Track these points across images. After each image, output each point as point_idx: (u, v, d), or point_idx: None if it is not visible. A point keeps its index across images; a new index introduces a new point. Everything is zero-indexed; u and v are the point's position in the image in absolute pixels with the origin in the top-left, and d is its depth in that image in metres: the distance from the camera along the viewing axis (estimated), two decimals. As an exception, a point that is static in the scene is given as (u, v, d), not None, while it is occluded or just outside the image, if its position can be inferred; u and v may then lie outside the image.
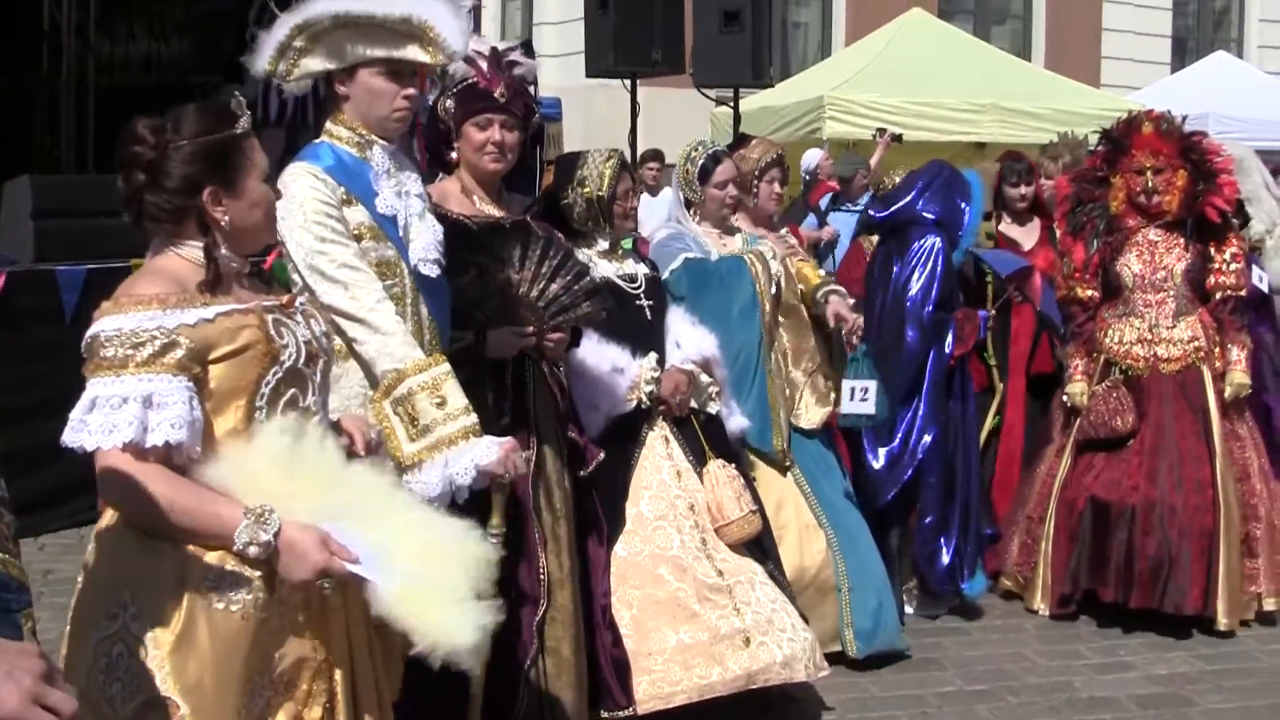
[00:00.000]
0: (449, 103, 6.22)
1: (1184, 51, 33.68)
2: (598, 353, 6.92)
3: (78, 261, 9.88)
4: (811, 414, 8.24)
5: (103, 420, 3.75)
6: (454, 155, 6.31)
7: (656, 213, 13.26)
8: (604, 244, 7.21)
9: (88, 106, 17.59)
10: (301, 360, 4.12)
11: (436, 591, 3.88)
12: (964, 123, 19.85)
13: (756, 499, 7.37)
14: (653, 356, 7.11)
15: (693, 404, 7.29)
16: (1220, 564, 8.70)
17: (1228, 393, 8.89)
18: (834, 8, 29.47)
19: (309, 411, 4.14)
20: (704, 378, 7.32)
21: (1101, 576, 8.81)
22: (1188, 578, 8.61)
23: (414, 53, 5.43)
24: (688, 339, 7.34)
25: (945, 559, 8.83)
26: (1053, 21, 31.99)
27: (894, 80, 20.11)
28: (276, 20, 5.39)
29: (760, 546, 7.26)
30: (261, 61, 5.36)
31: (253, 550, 3.78)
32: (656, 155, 18.59)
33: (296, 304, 4.28)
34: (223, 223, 4.09)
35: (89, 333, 3.88)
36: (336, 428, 4.38)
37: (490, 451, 5.04)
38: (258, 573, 3.86)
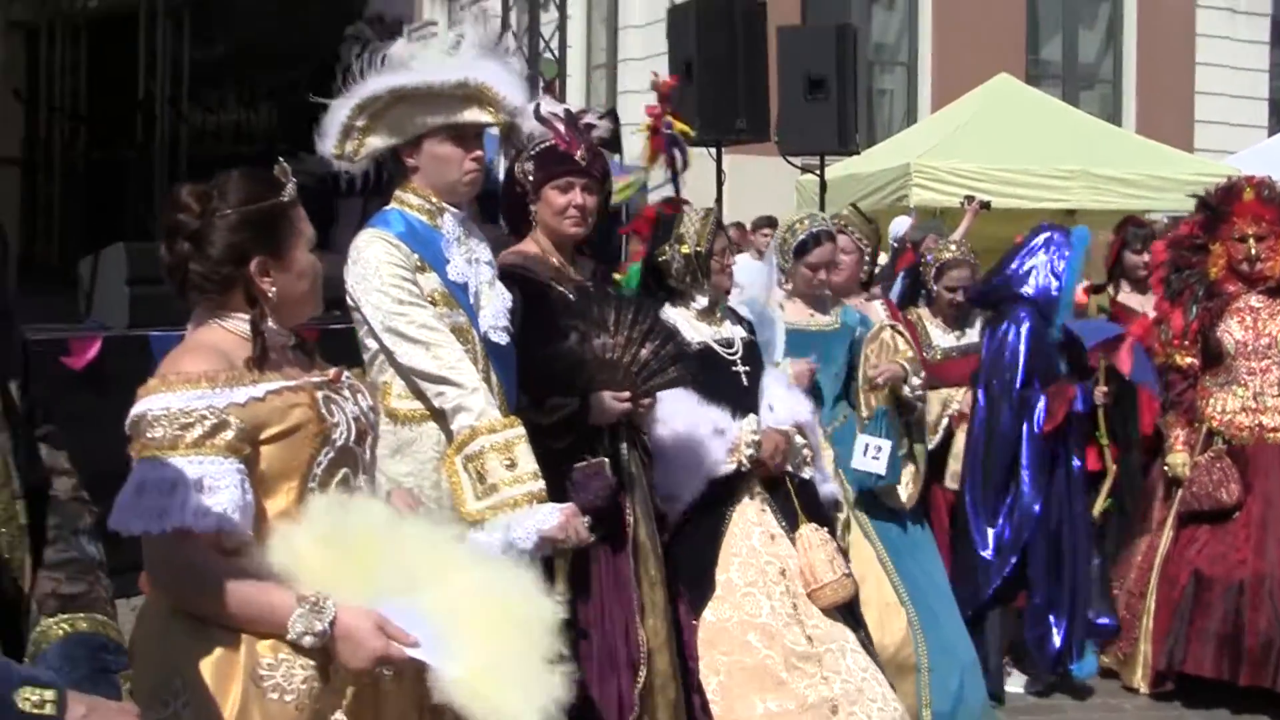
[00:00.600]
0: (527, 165, 6.20)
1: (1281, 114, 33.44)
2: (696, 414, 6.89)
3: (171, 328, 9.94)
4: (905, 492, 8.25)
5: (152, 504, 3.64)
6: (531, 218, 6.27)
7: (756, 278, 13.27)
8: (702, 302, 7.20)
9: (180, 175, 17.77)
10: (352, 438, 4.03)
11: (500, 672, 3.75)
12: (1053, 189, 19.70)
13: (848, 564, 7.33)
14: (753, 418, 7.08)
15: (787, 467, 7.26)
16: None
17: None
18: (919, 74, 29.43)
19: (360, 491, 4.06)
20: (798, 439, 7.30)
21: (1206, 653, 8.64)
22: None
23: (475, 115, 5.46)
24: (782, 402, 7.32)
25: (1056, 642, 8.74)
26: (1144, 85, 31.79)
27: (981, 146, 20.01)
28: (333, 104, 5.40)
29: (853, 614, 7.21)
30: (328, 145, 5.38)
31: (308, 640, 3.68)
32: (770, 222, 18.59)
33: (344, 379, 4.19)
34: (270, 294, 4.00)
35: (135, 411, 3.79)
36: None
37: (552, 517, 5.06)
38: (312, 661, 3.75)
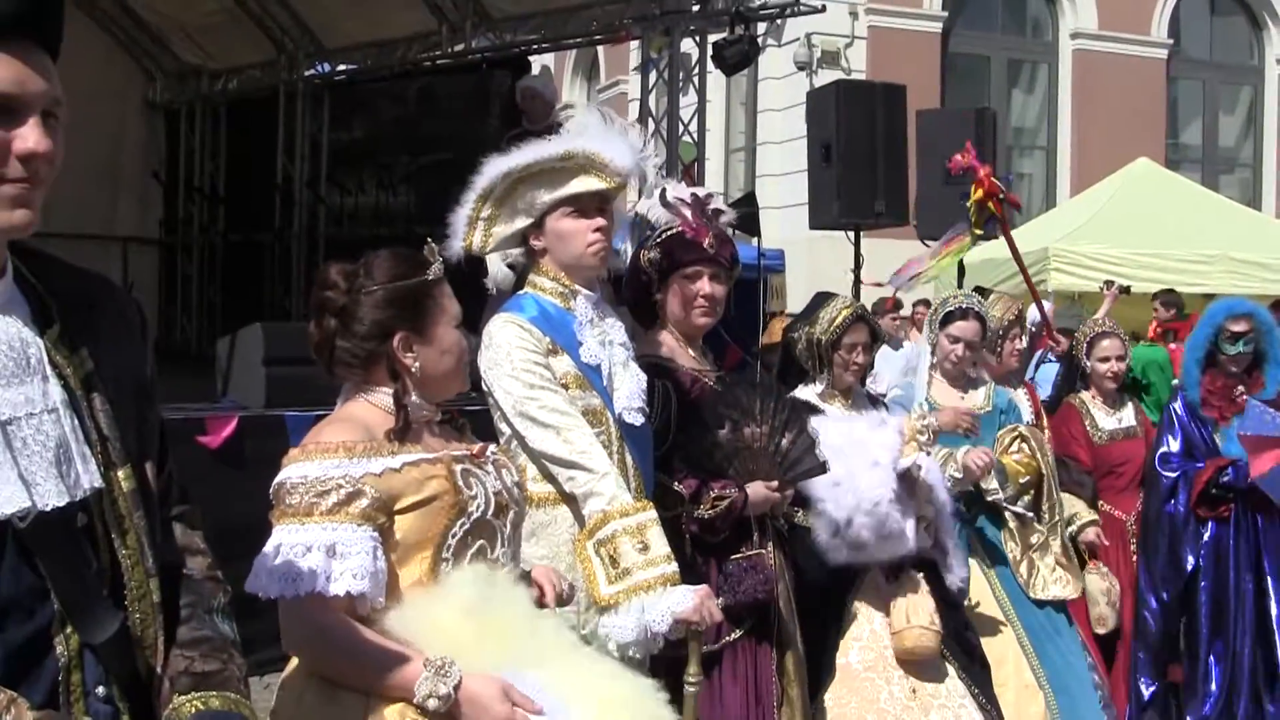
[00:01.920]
0: (653, 254, 6.10)
1: None
2: (848, 425, 6.82)
3: (307, 408, 10.08)
4: (1049, 589, 8.13)
5: (286, 568, 3.73)
6: (657, 307, 6.19)
7: (893, 365, 13.21)
8: (820, 387, 7.15)
9: (318, 257, 18.00)
10: (490, 512, 4.07)
11: None
12: (1193, 274, 19.56)
13: (973, 646, 7.27)
14: (918, 405, 7.14)
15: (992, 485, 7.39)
16: None
17: None
18: (1059, 158, 29.37)
19: (497, 563, 4.08)
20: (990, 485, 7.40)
21: None
22: None
23: (589, 183, 5.42)
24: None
25: None
26: (1285, 170, 31.60)
27: (1120, 231, 19.91)
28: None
29: (987, 697, 7.09)
30: (457, 241, 5.37)
31: (432, 703, 3.70)
32: (898, 305, 18.54)
33: (488, 454, 4.24)
34: (413, 369, 4.08)
35: (277, 479, 3.89)
36: (527, 579, 4.33)
37: (686, 599, 4.99)
38: None
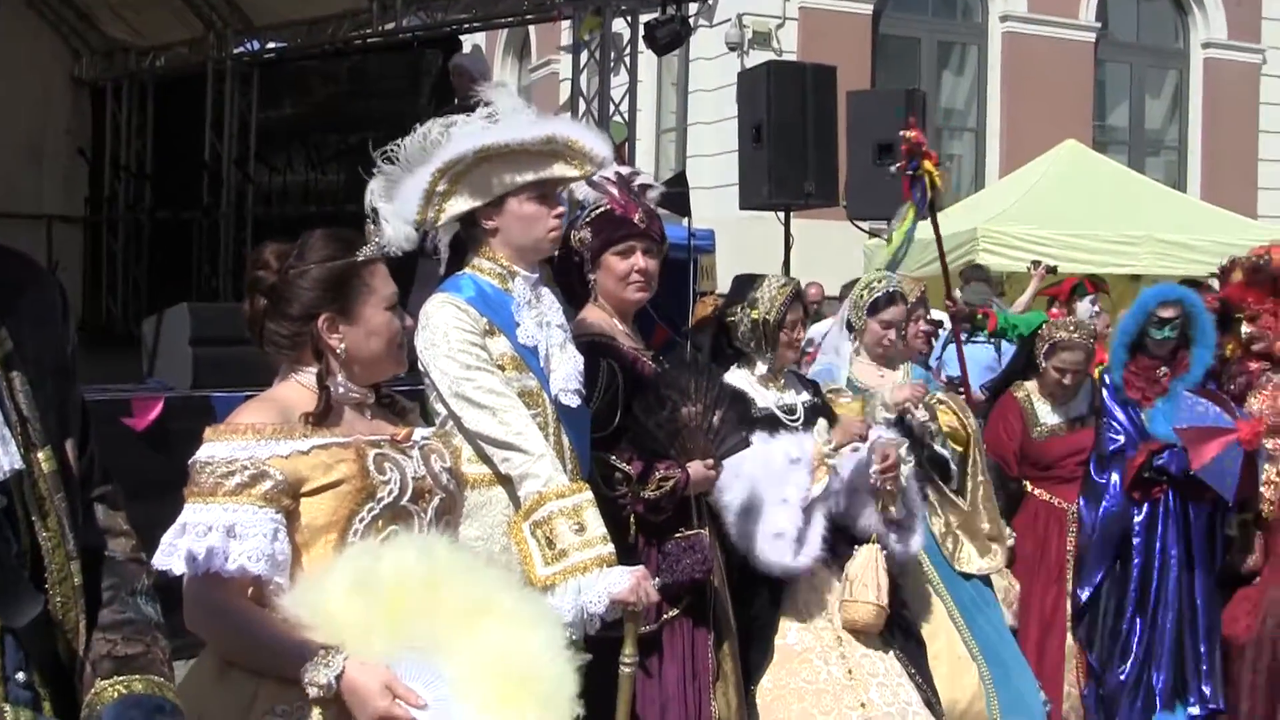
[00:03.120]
0: (584, 233, 6.09)
1: (1344, 181, 33.33)
2: (768, 451, 6.75)
3: (234, 389, 10.00)
4: (973, 561, 8.21)
5: (188, 546, 3.76)
6: (590, 286, 6.17)
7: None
8: (763, 368, 7.12)
9: (246, 236, 17.92)
10: (406, 497, 4.07)
11: None
12: (1119, 254, 19.65)
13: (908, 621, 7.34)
14: (822, 425, 7.05)
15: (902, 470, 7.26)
16: None
17: None
18: (988, 140, 29.47)
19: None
20: (902, 449, 7.31)
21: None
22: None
23: (561, 170, 5.44)
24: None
25: None
26: (1208, 152, 31.80)
27: (1048, 212, 19.99)
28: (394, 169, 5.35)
29: (921, 672, 7.12)
30: (410, 212, 5.31)
31: (313, 691, 3.69)
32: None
33: (415, 438, 4.24)
34: (337, 350, 4.10)
35: (192, 458, 3.91)
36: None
37: (623, 580, 5.00)
38: (323, 711, 3.76)
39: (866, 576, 6.97)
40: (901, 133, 10.16)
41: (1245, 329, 8.77)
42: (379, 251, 4.23)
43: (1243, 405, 8.79)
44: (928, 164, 10.17)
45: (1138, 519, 8.66)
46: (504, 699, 3.78)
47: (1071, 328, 9.26)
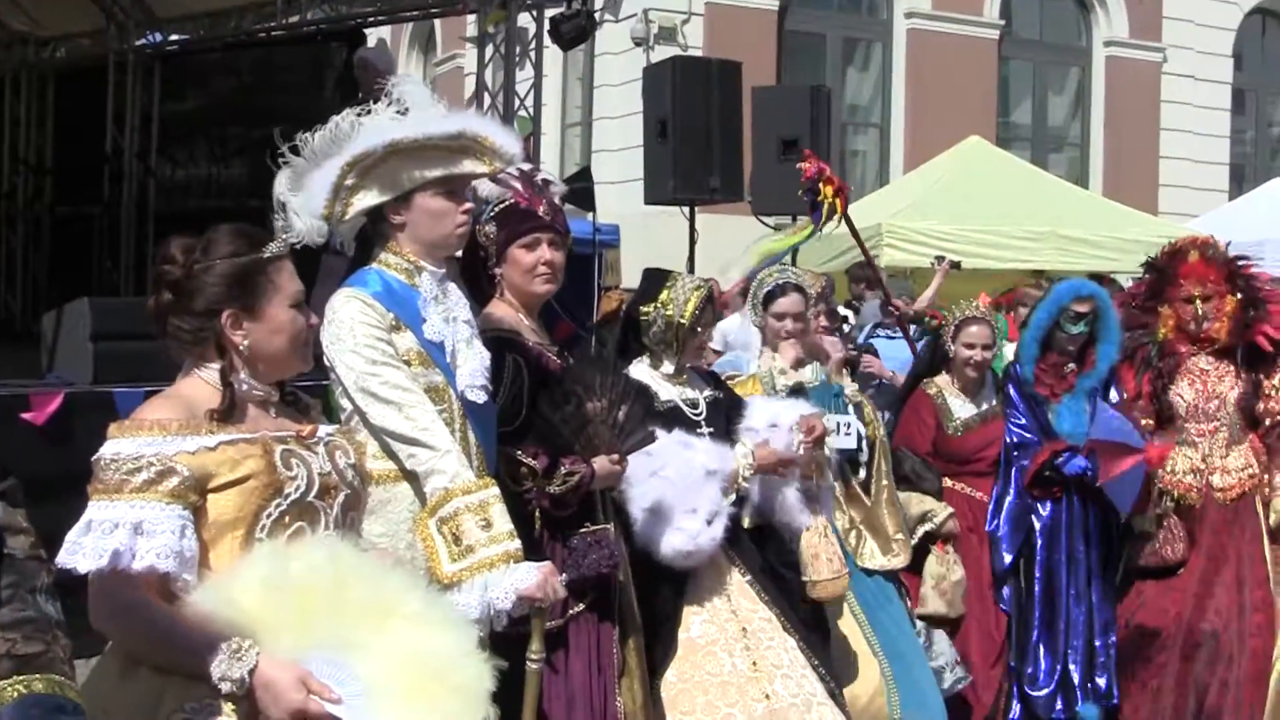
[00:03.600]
0: (489, 228, 6.09)
1: (1241, 179, 33.76)
2: (687, 458, 6.77)
3: (136, 384, 9.92)
4: (875, 558, 8.23)
5: (94, 544, 3.72)
6: (496, 281, 6.16)
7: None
8: (669, 368, 7.12)
9: (147, 230, 17.75)
10: (313, 493, 4.07)
11: None
12: (1022, 250, 19.80)
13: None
14: (746, 448, 7.05)
15: (827, 452, 7.43)
16: (1272, 693, 8.46)
17: (1273, 519, 8.75)
18: (892, 136, 29.59)
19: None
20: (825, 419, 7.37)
21: (1142, 701, 8.65)
22: (1227, 703, 8.47)
23: (470, 166, 5.43)
24: (772, 414, 7.30)
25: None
26: (1110, 149, 32.09)
27: (952, 207, 20.11)
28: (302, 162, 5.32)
29: (825, 665, 7.11)
30: (317, 206, 5.28)
31: (226, 686, 3.67)
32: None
33: (320, 434, 4.24)
34: (240, 347, 4.09)
35: (97, 454, 3.88)
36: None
37: (530, 576, 5.02)
38: (235, 708, 3.74)
39: (822, 553, 7.12)
40: (799, 165, 10.26)
41: (1200, 306, 8.76)
42: (285, 248, 4.21)
43: (1171, 386, 8.83)
44: (828, 190, 10.25)
45: (1040, 519, 8.71)
46: (418, 694, 3.77)
47: (975, 307, 9.28)
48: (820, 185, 10.22)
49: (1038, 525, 8.72)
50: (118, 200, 18.23)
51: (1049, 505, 8.70)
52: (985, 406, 9.11)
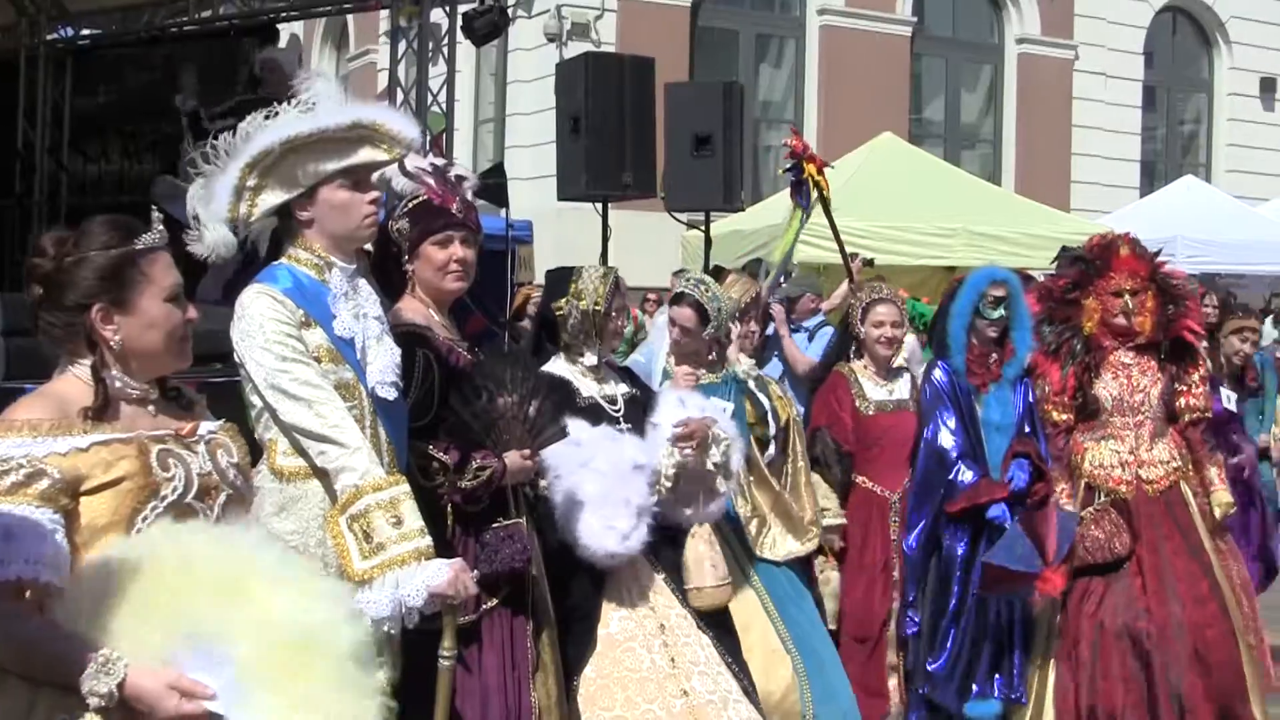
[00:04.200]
0: (401, 224, 6.11)
1: (1153, 176, 34.03)
2: (616, 452, 6.80)
3: (48, 380, 9.81)
4: (778, 548, 8.21)
5: None
6: (408, 277, 6.18)
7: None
8: (590, 360, 7.15)
9: (60, 225, 17.54)
10: (191, 494, 3.96)
11: (303, 715, 3.65)
12: (934, 246, 19.86)
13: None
14: (667, 446, 7.07)
15: (715, 458, 7.28)
16: (1246, 677, 8.58)
17: (1216, 512, 8.79)
18: (805, 132, 29.57)
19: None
20: (718, 430, 7.30)
21: (1112, 701, 8.67)
22: (1200, 695, 8.45)
23: (370, 154, 5.40)
24: (690, 403, 7.33)
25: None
26: (1023, 146, 32.26)
27: (865, 204, 20.13)
28: (210, 166, 5.32)
29: (737, 661, 7.16)
30: (221, 209, 5.26)
31: (94, 701, 3.55)
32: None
33: (201, 432, 4.14)
34: (111, 343, 3.97)
35: None
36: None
37: (441, 573, 5.01)
38: (108, 719, 3.62)
39: (704, 560, 7.12)
40: (785, 141, 10.39)
41: (1129, 302, 8.80)
42: (161, 239, 4.08)
43: (1095, 380, 8.89)
44: (810, 168, 10.35)
45: (960, 548, 8.76)
46: (293, 671, 3.67)
47: (879, 286, 9.32)
48: (804, 164, 10.33)
49: (958, 554, 8.76)
50: (29, 195, 18.06)
51: (965, 540, 8.76)
52: (897, 395, 9.17)
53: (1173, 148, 36.04)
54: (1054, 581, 8.38)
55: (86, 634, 3.62)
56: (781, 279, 11.77)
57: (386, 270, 6.18)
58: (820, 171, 10.43)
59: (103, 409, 3.90)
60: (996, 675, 8.71)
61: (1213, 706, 8.49)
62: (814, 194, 10.56)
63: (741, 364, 8.43)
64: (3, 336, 11.06)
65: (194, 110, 14.83)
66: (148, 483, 3.87)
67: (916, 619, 8.85)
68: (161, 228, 4.08)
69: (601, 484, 6.64)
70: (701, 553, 7.16)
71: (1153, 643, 8.52)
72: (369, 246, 5.89)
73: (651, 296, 17.17)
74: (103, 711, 3.59)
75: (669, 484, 7.03)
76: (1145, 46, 34.25)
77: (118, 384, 3.99)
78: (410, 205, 6.12)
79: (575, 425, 6.52)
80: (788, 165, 10.68)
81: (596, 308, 7.05)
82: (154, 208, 4.18)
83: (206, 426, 4.21)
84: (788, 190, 11.26)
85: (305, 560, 4.53)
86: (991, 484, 8.66)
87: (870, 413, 9.09)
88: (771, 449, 8.35)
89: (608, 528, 6.63)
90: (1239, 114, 35.29)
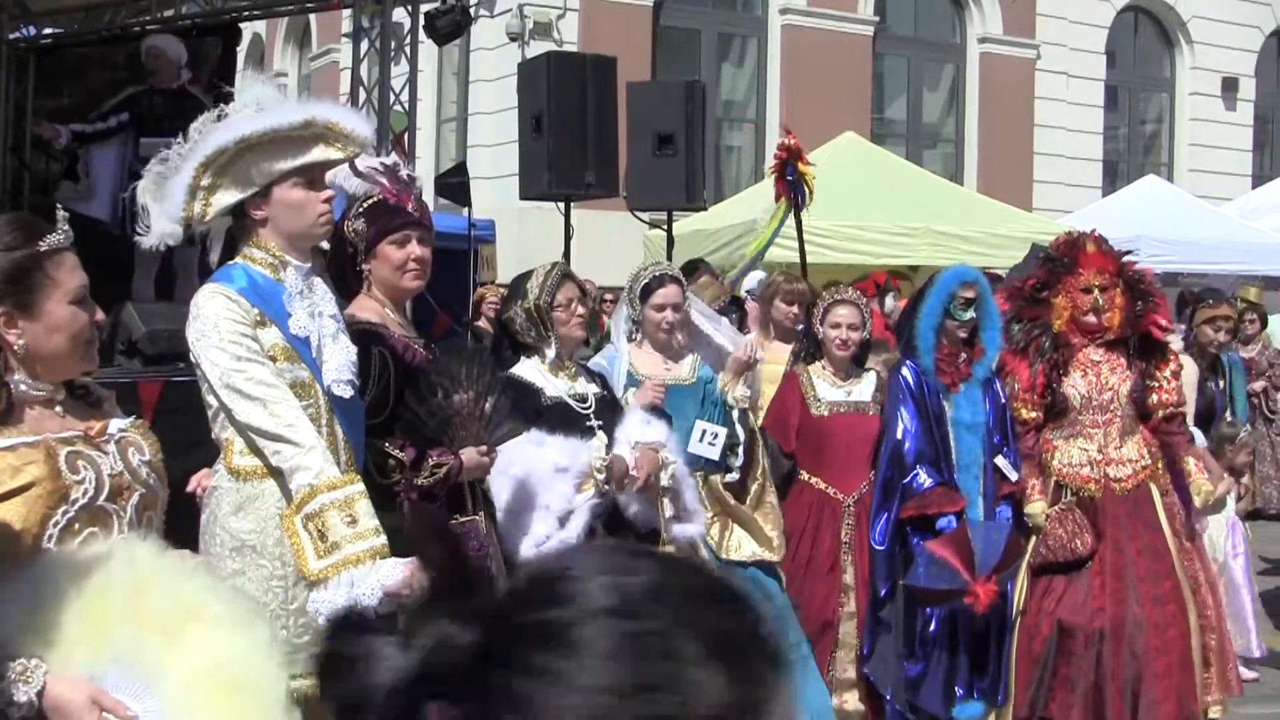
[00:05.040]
0: (357, 224, 6.10)
1: (1115, 175, 34.14)
2: (538, 455, 6.84)
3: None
4: (743, 549, 8.24)
5: None
6: (365, 276, 6.18)
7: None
8: (550, 354, 7.17)
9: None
10: (103, 496, 3.87)
11: None
12: (897, 245, 19.86)
13: None
14: (600, 440, 7.11)
15: (664, 481, 7.31)
16: (1196, 676, 8.65)
17: (1198, 501, 8.87)
18: (767, 131, 29.62)
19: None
20: (665, 454, 7.32)
21: (1073, 701, 8.66)
22: (1158, 694, 8.53)
23: (324, 153, 5.40)
24: (640, 428, 7.34)
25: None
26: (985, 145, 32.32)
27: (827, 203, 20.08)
28: (165, 165, 5.32)
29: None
30: (175, 208, 5.26)
31: (12, 712, 3.46)
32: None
33: (111, 432, 4.04)
34: (15, 347, 3.85)
35: None
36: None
37: (396, 572, 5.01)
38: None
39: None
40: (780, 140, 10.53)
41: (1098, 298, 8.82)
42: (65, 240, 3.96)
43: (1064, 378, 8.92)
44: (803, 167, 10.44)
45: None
46: (216, 707, 3.61)
47: (842, 289, 9.32)
48: (797, 163, 10.41)
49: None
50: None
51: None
52: (856, 396, 9.16)
53: (1135, 147, 36.13)
54: (981, 596, 8.37)
55: (9, 637, 3.54)
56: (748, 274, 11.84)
57: (341, 270, 6.18)
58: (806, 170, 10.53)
59: (6, 413, 3.81)
60: (977, 677, 8.73)
61: (1172, 705, 8.55)
62: (808, 195, 10.65)
63: (737, 391, 8.40)
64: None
65: (74, 135, 15.00)
66: (57, 487, 3.78)
67: (887, 619, 8.81)
68: (67, 227, 3.98)
69: (516, 491, 6.70)
70: None
71: (1105, 642, 8.57)
72: (325, 245, 5.90)
73: (610, 297, 17.13)
74: None
75: (601, 476, 7.03)
76: (1107, 46, 34.33)
77: (22, 387, 3.90)
78: (366, 205, 6.13)
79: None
80: (776, 167, 10.77)
81: (539, 302, 7.10)
82: (58, 207, 4.07)
83: (116, 424, 4.12)
84: (750, 189, 11.42)
85: (244, 605, 4.34)
86: (946, 494, 8.67)
87: (823, 413, 9.04)
88: (733, 475, 8.35)
89: (535, 543, 6.69)
90: (1201, 114, 35.40)
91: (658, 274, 8.18)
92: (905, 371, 8.86)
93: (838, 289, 9.35)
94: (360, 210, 6.12)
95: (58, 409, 3.97)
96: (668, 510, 7.38)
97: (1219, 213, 25.18)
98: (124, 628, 3.61)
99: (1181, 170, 34.73)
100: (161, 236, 5.20)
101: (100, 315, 4.10)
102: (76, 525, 3.81)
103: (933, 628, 8.70)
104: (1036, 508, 8.87)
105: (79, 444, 3.90)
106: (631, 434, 7.27)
